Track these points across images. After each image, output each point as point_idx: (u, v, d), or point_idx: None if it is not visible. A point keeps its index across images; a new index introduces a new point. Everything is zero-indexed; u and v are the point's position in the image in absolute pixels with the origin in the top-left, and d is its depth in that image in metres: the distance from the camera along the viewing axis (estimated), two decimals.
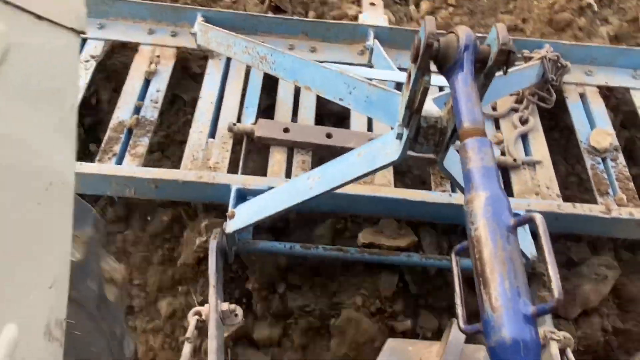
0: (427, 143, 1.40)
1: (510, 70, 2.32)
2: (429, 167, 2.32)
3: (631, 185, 2.29)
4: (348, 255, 2.11)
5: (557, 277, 0.87)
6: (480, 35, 1.34)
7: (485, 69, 1.20)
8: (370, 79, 1.75)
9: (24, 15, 0.76)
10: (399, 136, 1.42)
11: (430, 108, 1.42)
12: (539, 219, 0.93)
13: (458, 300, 1.01)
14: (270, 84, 2.57)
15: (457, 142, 1.18)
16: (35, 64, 0.81)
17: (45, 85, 0.85)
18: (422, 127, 1.37)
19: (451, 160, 1.56)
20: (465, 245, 1.03)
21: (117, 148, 2.19)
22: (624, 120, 2.62)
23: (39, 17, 0.79)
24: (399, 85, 1.87)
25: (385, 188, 2.18)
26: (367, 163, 1.58)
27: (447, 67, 1.19)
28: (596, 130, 2.43)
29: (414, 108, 1.29)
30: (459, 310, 1.00)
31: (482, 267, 0.92)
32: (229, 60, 2.53)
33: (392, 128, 1.66)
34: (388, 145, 1.52)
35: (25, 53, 0.78)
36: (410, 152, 1.42)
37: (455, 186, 1.61)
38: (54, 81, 0.87)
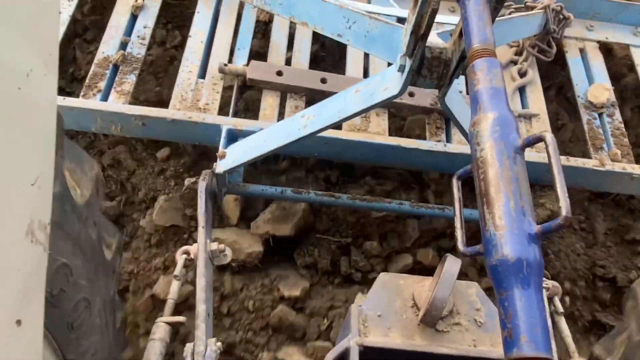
0: (431, 76, 1.34)
1: (512, 16, 2.25)
2: (426, 117, 2.27)
3: (626, 141, 2.27)
4: (339, 201, 2.07)
5: (565, 196, 0.84)
6: None
7: None
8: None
9: None
10: (401, 68, 1.36)
11: (435, 39, 1.35)
12: (549, 138, 0.89)
13: (458, 223, 0.98)
14: (262, 27, 2.48)
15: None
16: None
17: (27, 10, 0.78)
18: (426, 58, 1.31)
19: (452, 99, 1.52)
20: (468, 169, 0.99)
21: (102, 84, 2.09)
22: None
23: None
24: (400, 20, 1.80)
25: (379, 136, 2.13)
26: (365, 99, 1.52)
27: None
28: (594, 86, 2.39)
29: (419, 34, 1.22)
30: (459, 233, 0.97)
31: (487, 188, 0.89)
32: None
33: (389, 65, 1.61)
34: (388, 80, 1.46)
35: None
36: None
37: (454, 124, 1.57)
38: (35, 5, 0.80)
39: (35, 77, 0.77)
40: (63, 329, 1.11)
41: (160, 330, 1.51)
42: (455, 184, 1.03)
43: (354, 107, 1.54)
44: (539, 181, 2.11)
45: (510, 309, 0.84)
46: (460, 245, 0.95)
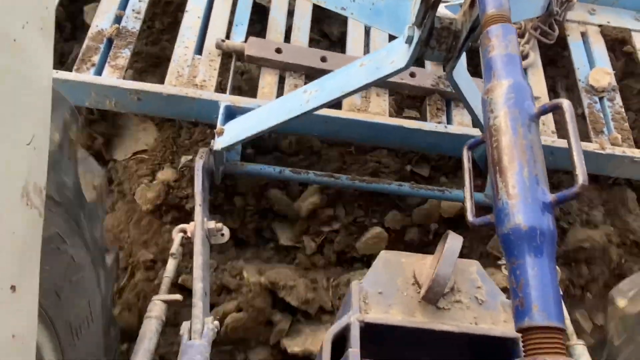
0: (439, 47, 1.31)
1: None
2: (427, 98, 2.24)
3: (626, 125, 2.26)
4: (339, 182, 2.04)
5: (582, 163, 0.81)
6: None
7: None
8: None
9: None
10: (409, 39, 1.32)
11: (444, 11, 1.32)
12: (566, 105, 0.86)
13: (467, 193, 0.95)
14: (261, 4, 2.42)
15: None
16: None
17: None
18: (435, 29, 1.27)
19: (459, 74, 1.48)
20: (479, 139, 0.97)
21: (96, 58, 2.03)
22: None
23: None
24: None
25: (380, 116, 2.10)
26: (370, 72, 1.48)
27: None
28: (595, 70, 2.38)
29: (430, 2, 1.18)
30: (468, 203, 0.94)
31: (500, 156, 0.86)
32: None
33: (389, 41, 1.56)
34: (394, 53, 1.43)
35: None
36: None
37: (461, 100, 1.54)
38: None
39: (30, 38, 0.73)
40: (67, 332, 1.07)
41: (156, 308, 1.48)
42: (466, 154, 1.00)
43: (359, 81, 1.50)
44: None
45: (522, 278, 0.82)
46: (470, 216, 0.93)
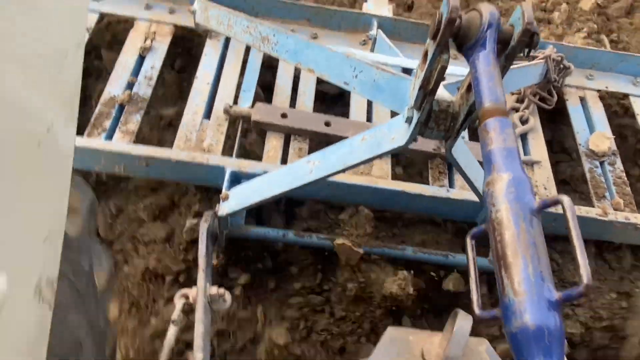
0: (438, 128, 1.35)
1: (513, 67, 2.29)
2: (429, 162, 2.27)
3: (628, 189, 2.28)
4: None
5: (585, 262, 0.82)
6: None
7: (507, 50, 1.16)
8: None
9: None
10: (409, 120, 1.36)
11: (442, 92, 1.37)
12: (567, 202, 0.88)
13: (473, 285, 0.96)
14: (268, 69, 2.51)
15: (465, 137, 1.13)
16: (42, 23, 0.74)
17: (50, 47, 0.78)
18: (433, 111, 1.32)
19: (458, 150, 1.52)
20: (482, 229, 0.98)
21: (107, 124, 2.10)
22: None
23: None
24: (405, 71, 1.82)
25: (382, 180, 2.13)
26: (371, 148, 1.52)
27: (468, 46, 1.15)
28: (595, 134, 2.42)
29: (428, 89, 1.23)
30: (474, 295, 0.95)
31: (504, 251, 0.87)
32: (227, 41, 2.46)
33: (392, 115, 1.61)
34: (395, 130, 1.47)
35: (33, 11, 0.71)
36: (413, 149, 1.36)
37: (461, 176, 1.57)
38: (60, 43, 0.81)
39: (55, 132, 0.76)
40: None
41: None
42: (469, 244, 1.01)
43: (360, 156, 1.54)
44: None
45: None
46: (477, 309, 0.93)
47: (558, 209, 1.95)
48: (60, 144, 0.78)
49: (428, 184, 2.18)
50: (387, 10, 2.63)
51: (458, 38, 1.15)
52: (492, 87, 1.06)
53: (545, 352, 0.80)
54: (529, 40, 1.11)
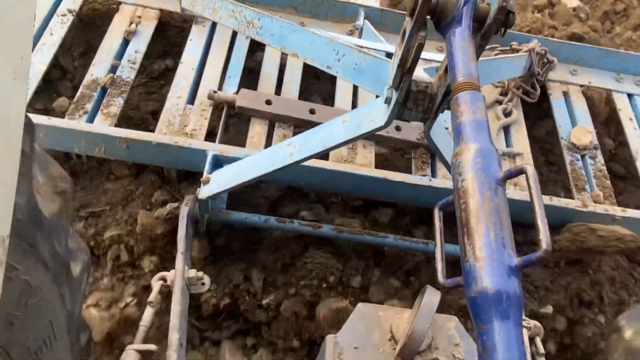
0: (416, 109, 1.36)
1: (498, 57, 2.31)
2: (412, 151, 2.29)
3: (608, 183, 2.31)
4: (322, 232, 2.05)
5: (545, 229, 0.83)
6: None
7: (483, 29, 1.17)
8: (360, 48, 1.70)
9: None
10: (388, 100, 1.37)
11: (421, 74, 1.38)
12: (530, 170, 0.89)
13: (438, 254, 0.96)
14: (254, 57, 2.51)
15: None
16: None
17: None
18: (412, 92, 1.33)
19: (437, 133, 1.53)
20: (449, 199, 0.99)
21: (89, 106, 2.08)
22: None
23: None
24: (389, 56, 1.83)
25: (365, 167, 2.14)
26: (351, 129, 1.53)
27: (445, 23, 1.15)
28: (577, 128, 2.44)
29: (406, 67, 1.24)
30: (439, 265, 0.95)
31: (467, 218, 0.88)
32: (213, 27, 2.45)
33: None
34: (374, 112, 1.48)
35: None
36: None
37: (438, 158, 1.58)
38: (8, 17, 0.80)
39: (2, 85, 0.76)
40: (25, 356, 1.05)
41: (129, 358, 1.45)
42: (437, 214, 1.02)
43: (340, 137, 1.54)
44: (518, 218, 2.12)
45: (489, 343, 0.82)
46: (441, 277, 0.94)
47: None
48: (10, 96, 0.77)
49: (411, 173, 2.19)
50: (374, 1, 2.65)
51: (435, 15, 1.16)
52: (466, 62, 1.07)
53: (503, 315, 0.81)
54: (505, 18, 1.12)
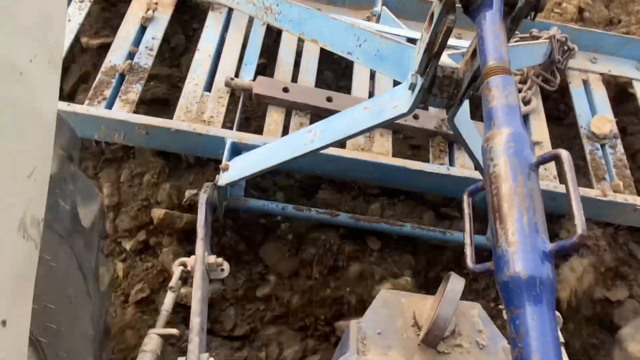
0: (441, 95, 1.34)
1: (518, 44, 2.27)
2: (430, 140, 2.27)
3: (628, 172, 2.28)
4: (340, 220, 2.05)
5: (581, 213, 0.82)
6: None
7: (514, 12, 1.15)
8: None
9: None
10: (412, 86, 1.35)
11: (447, 60, 1.36)
12: (564, 155, 0.88)
13: (467, 239, 0.96)
14: (270, 43, 2.49)
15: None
16: None
17: (32, 11, 0.77)
18: (437, 77, 1.31)
19: (460, 119, 1.51)
20: (479, 185, 0.98)
21: (107, 92, 2.09)
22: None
23: None
24: (410, 41, 1.81)
25: (383, 156, 2.13)
26: (373, 116, 1.52)
27: (475, 6, 1.14)
28: (597, 117, 2.41)
29: (433, 52, 1.22)
30: (468, 250, 0.95)
31: (500, 203, 0.87)
32: (229, 13, 2.44)
33: (394, 85, 1.60)
34: (397, 98, 1.46)
35: None
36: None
37: (462, 145, 1.56)
38: (41, 6, 0.79)
39: (37, 71, 0.76)
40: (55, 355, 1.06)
41: (152, 342, 1.46)
42: (466, 200, 1.01)
43: (362, 124, 1.53)
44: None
45: (522, 328, 0.81)
46: (470, 262, 0.93)
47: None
48: (43, 84, 0.77)
49: (429, 161, 2.18)
50: None
51: None
52: (497, 46, 1.05)
53: (536, 300, 0.80)
54: (536, 2, 1.10)
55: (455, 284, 1.16)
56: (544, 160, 0.92)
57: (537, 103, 2.42)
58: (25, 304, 0.76)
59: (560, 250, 0.83)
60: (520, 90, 2.44)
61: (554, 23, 2.53)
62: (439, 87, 1.33)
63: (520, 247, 0.83)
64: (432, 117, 2.26)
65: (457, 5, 1.14)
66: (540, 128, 2.37)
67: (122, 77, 2.15)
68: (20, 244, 0.73)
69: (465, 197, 1.02)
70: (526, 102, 2.41)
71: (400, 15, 2.46)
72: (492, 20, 1.09)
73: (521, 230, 0.84)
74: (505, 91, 0.99)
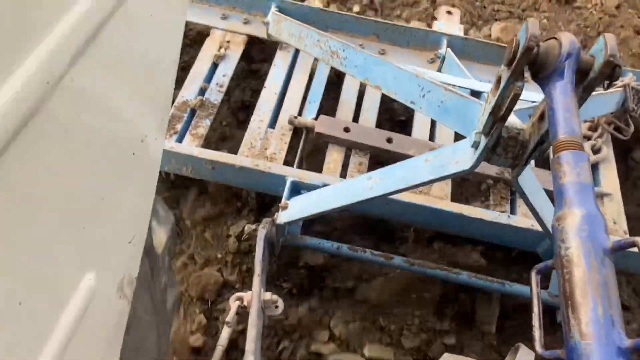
0: (506, 155, 1.33)
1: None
2: (491, 186, 2.23)
3: None
4: (394, 263, 2.04)
5: None
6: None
7: (586, 81, 1.12)
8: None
9: None
10: (475, 145, 1.35)
11: (513, 119, 1.34)
12: None
13: (536, 322, 0.93)
14: (334, 82, 2.55)
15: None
16: (141, 29, 0.80)
17: (147, 53, 0.84)
18: (502, 138, 1.30)
19: (525, 178, 1.48)
20: (549, 264, 0.95)
21: (179, 126, 2.21)
22: None
23: None
24: (474, 93, 1.80)
25: (441, 200, 2.11)
26: (434, 169, 1.52)
27: (545, 75, 1.12)
28: None
29: (498, 115, 1.22)
30: (537, 333, 0.92)
31: (572, 290, 0.85)
32: (296, 53, 2.53)
33: (455, 136, 1.59)
34: (460, 154, 1.46)
35: (133, 15, 0.76)
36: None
37: (526, 204, 1.53)
38: (156, 50, 0.86)
39: (148, 142, 0.82)
40: None
41: None
42: (534, 279, 0.99)
43: (423, 177, 1.53)
44: None
45: None
46: (539, 347, 0.90)
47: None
48: (151, 153, 0.84)
49: (488, 208, 2.13)
50: (457, 29, 2.61)
51: (534, 66, 1.13)
52: (568, 119, 1.03)
53: None
54: (611, 72, 1.07)
55: (525, 357, 1.13)
56: (620, 247, 0.88)
57: (607, 152, 2.31)
58: (114, 353, 0.83)
59: (639, 347, 0.79)
60: (589, 138, 2.35)
61: (629, 70, 2.43)
62: (504, 147, 1.31)
63: (594, 342, 0.80)
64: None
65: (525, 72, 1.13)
66: (610, 179, 2.26)
67: (193, 112, 2.28)
68: (117, 303, 0.79)
69: (533, 276, 1.00)
70: (596, 151, 2.31)
71: (465, 57, 2.45)
72: (563, 91, 1.07)
73: (595, 322, 0.81)
74: (577, 168, 0.97)
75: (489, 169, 2.21)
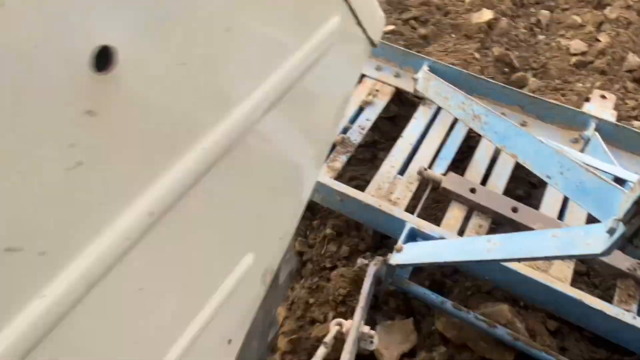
0: None
1: None
2: (617, 281, 2.10)
3: None
4: (497, 332, 2.01)
5: None
6: None
7: None
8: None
9: (349, 17, 0.90)
10: (611, 231, 1.34)
11: None
12: None
13: None
14: (469, 143, 2.63)
15: None
16: (334, 70, 0.98)
17: (329, 92, 1.02)
18: None
19: None
20: None
21: None
22: None
23: (358, 21, 0.93)
24: (617, 181, 1.76)
25: (561, 283, 2.04)
26: (562, 246, 1.51)
27: None
28: None
29: None
30: None
31: None
32: (438, 110, 2.66)
33: (587, 219, 1.56)
34: (592, 236, 1.44)
35: (330, 64, 0.94)
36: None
37: None
38: (337, 89, 1.04)
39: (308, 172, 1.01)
40: None
41: None
42: None
43: (547, 251, 1.54)
44: None
45: None
46: None
47: None
48: (310, 180, 1.03)
49: (611, 302, 2.01)
50: (609, 115, 2.54)
51: None
52: None
53: None
54: None
55: None
56: None
57: None
58: (245, 329, 1.00)
59: None
60: None
61: None
62: None
63: None
64: (626, 256, 2.09)
65: None
66: None
67: (333, 146, 2.51)
68: (258, 288, 0.97)
69: None
70: None
71: (612, 144, 2.37)
72: None
73: None
74: None
75: (620, 262, 2.09)
